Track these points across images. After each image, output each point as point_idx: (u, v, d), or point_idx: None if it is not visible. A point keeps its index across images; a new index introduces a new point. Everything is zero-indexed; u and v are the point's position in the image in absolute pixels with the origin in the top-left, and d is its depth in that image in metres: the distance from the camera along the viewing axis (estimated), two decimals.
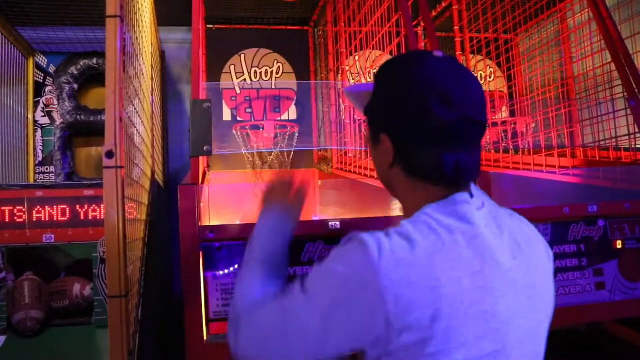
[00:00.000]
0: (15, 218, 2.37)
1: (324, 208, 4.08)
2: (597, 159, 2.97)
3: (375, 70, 1.11)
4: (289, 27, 4.65)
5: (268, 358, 1.00)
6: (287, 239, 1.28)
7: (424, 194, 1.01)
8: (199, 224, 1.77)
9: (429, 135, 0.98)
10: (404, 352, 0.87)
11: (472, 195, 1.01)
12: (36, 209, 2.39)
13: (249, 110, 4.59)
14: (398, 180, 1.06)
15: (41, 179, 4.10)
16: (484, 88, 4.13)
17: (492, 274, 0.92)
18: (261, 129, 4.24)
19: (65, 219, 2.41)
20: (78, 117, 4.05)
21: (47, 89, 4.20)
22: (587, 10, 3.15)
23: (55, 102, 4.11)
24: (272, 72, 4.67)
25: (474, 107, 0.98)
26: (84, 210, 2.42)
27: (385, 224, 1.87)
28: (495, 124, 4.15)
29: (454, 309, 0.86)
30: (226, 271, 1.82)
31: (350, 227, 1.88)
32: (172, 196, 3.03)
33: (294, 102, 4.67)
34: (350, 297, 0.89)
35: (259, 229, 1.27)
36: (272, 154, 4.27)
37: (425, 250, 0.90)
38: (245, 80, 4.62)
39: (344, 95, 3.96)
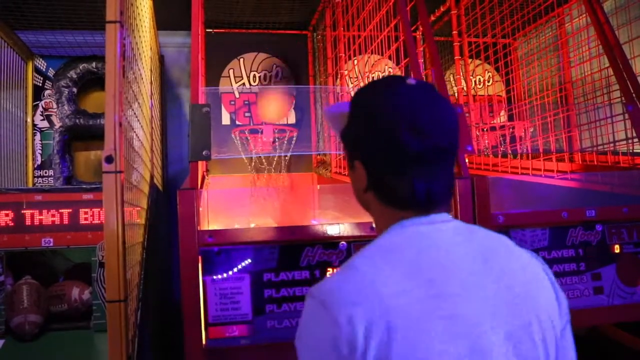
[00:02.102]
0: (14, 222, 2.37)
1: (323, 212, 4.07)
2: (595, 163, 2.98)
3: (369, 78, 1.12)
4: (287, 32, 4.65)
5: None
6: None
7: (395, 217, 1.03)
8: (198, 229, 1.77)
9: (399, 164, 1.00)
10: None
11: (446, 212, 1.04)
12: (35, 213, 2.39)
13: (247, 114, 4.60)
14: (372, 205, 1.09)
15: (40, 183, 4.10)
16: (483, 92, 4.15)
17: (445, 281, 0.93)
18: (260, 133, 4.24)
19: (64, 223, 2.41)
20: (77, 121, 4.05)
21: (46, 92, 4.20)
22: (585, 15, 3.16)
23: (55, 106, 4.11)
24: (271, 76, 4.68)
25: (444, 135, 0.99)
26: (82, 214, 2.43)
27: None
28: (493, 129, 4.16)
29: (407, 320, 0.87)
30: (225, 275, 1.82)
31: (349, 231, 1.89)
32: (171, 200, 3.03)
33: (292, 107, 4.67)
34: (320, 343, 0.91)
35: None
36: (271, 158, 4.28)
37: (365, 274, 0.92)
38: (244, 84, 4.63)
39: (342, 99, 3.97)
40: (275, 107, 4.57)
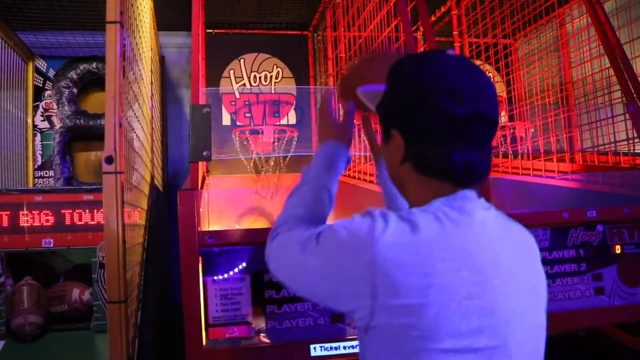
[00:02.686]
0: (15, 223, 2.37)
1: None
2: (596, 163, 2.98)
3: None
4: (288, 32, 4.65)
5: (280, 273, 1.09)
6: (339, 173, 1.31)
7: (432, 190, 1.01)
8: (198, 229, 1.77)
9: (438, 132, 0.98)
10: (389, 330, 0.89)
11: (479, 196, 1.03)
12: (35, 214, 2.39)
13: (248, 114, 4.60)
14: (408, 176, 1.06)
15: (40, 184, 4.10)
16: None
17: (492, 272, 0.93)
18: (260, 134, 4.24)
19: (64, 223, 2.41)
20: (77, 122, 4.05)
21: (47, 93, 4.20)
22: (585, 15, 3.16)
23: (55, 107, 4.11)
24: (271, 77, 4.68)
25: (485, 104, 0.98)
26: (83, 215, 2.42)
27: None
28: None
29: (446, 298, 0.87)
30: (225, 276, 1.82)
31: None
32: (171, 201, 3.03)
33: (293, 107, 4.67)
34: (344, 262, 0.93)
35: (316, 162, 1.30)
36: (271, 158, 4.28)
37: (427, 238, 0.91)
38: (244, 84, 4.63)
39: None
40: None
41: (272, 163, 4.32)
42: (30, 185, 4.02)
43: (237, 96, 4.60)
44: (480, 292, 0.90)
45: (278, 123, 4.58)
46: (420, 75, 1.01)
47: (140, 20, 2.29)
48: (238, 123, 4.53)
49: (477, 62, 4.41)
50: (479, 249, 0.94)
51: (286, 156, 4.28)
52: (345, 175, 3.51)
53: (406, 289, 0.87)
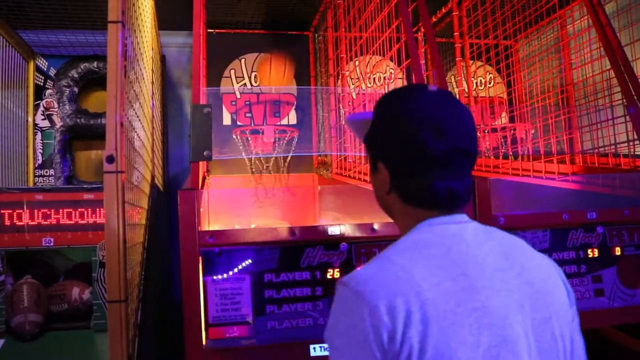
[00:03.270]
0: (15, 221, 2.37)
1: (324, 213, 4.08)
2: (596, 165, 2.97)
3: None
4: (289, 32, 4.65)
5: None
6: None
7: (417, 217, 1.07)
8: (199, 229, 1.77)
9: (422, 165, 1.04)
10: None
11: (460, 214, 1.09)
12: (36, 213, 2.39)
13: (248, 114, 4.60)
14: (395, 206, 1.12)
15: (41, 182, 4.10)
16: (484, 94, 4.15)
17: (476, 275, 0.97)
18: (261, 134, 4.24)
19: (65, 222, 2.41)
20: (78, 121, 4.05)
21: (48, 92, 4.20)
22: (586, 17, 3.16)
23: (56, 105, 4.11)
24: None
25: (465, 139, 1.05)
26: (83, 214, 2.42)
27: (384, 229, 1.87)
28: (494, 130, 4.16)
29: (441, 311, 0.91)
30: (225, 276, 1.82)
31: (349, 231, 1.89)
32: (171, 201, 3.03)
33: (293, 107, 4.67)
34: (356, 332, 0.92)
35: None
36: (272, 158, 4.28)
37: (402, 266, 0.95)
38: (245, 84, 4.63)
39: (344, 100, 3.97)
40: (275, 73, 4.54)
41: (272, 163, 4.33)
42: (31, 184, 4.02)
43: (238, 96, 4.60)
44: (469, 296, 0.94)
45: (278, 123, 4.58)
46: (403, 113, 1.07)
47: (142, 20, 2.29)
48: (239, 123, 4.53)
49: (478, 63, 4.42)
50: (457, 258, 0.99)
51: (287, 156, 4.28)
52: (345, 175, 3.51)
53: (409, 315, 0.90)
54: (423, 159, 1.03)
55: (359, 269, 1.00)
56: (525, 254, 1.08)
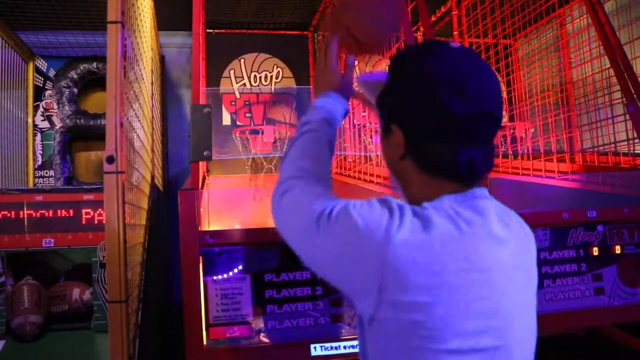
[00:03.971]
0: (15, 222, 2.37)
1: None
2: (596, 164, 2.98)
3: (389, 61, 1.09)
4: (288, 32, 4.66)
5: (287, 234, 1.07)
6: (338, 125, 1.28)
7: (435, 187, 0.99)
8: (199, 229, 1.77)
9: (441, 129, 0.95)
10: (394, 325, 0.88)
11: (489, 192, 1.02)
12: (36, 213, 2.39)
13: (248, 114, 4.60)
14: (409, 173, 1.03)
15: (41, 183, 4.10)
16: None
17: (497, 273, 0.92)
18: (260, 134, 4.24)
19: (65, 223, 2.40)
20: (78, 121, 4.05)
21: (47, 93, 4.20)
22: (586, 15, 3.16)
23: (55, 106, 4.12)
24: (271, 77, 4.68)
25: (489, 100, 0.96)
26: (83, 214, 2.42)
27: None
28: None
29: (455, 299, 0.86)
30: (226, 276, 1.82)
31: None
32: (171, 201, 3.03)
33: (293, 107, 4.67)
34: (354, 251, 0.90)
35: (317, 113, 1.23)
36: (272, 158, 4.28)
37: (440, 236, 0.89)
38: (244, 84, 4.63)
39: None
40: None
41: (272, 163, 4.32)
42: (31, 185, 4.02)
43: (238, 96, 4.60)
44: (488, 293, 0.89)
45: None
46: (423, 72, 0.97)
47: (141, 20, 2.29)
48: (238, 123, 4.54)
49: None
50: (487, 249, 0.92)
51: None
52: (344, 175, 3.51)
53: (416, 286, 0.85)
54: (442, 122, 0.94)
55: (405, 208, 0.92)
56: (529, 256, 1.03)
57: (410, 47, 1.11)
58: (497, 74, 4.54)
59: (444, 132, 0.95)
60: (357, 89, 1.35)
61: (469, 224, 0.92)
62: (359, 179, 3.11)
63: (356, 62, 3.52)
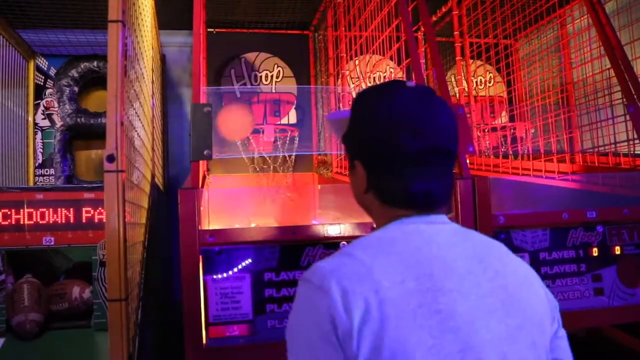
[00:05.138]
0: (15, 220, 2.37)
1: (323, 212, 4.08)
2: (596, 164, 2.98)
3: (370, 79, 1.15)
4: (289, 32, 4.65)
5: None
6: None
7: (395, 217, 1.05)
8: (199, 228, 1.77)
9: (397, 164, 1.02)
10: None
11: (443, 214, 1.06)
12: (36, 212, 2.39)
13: None
14: (372, 205, 1.10)
15: (41, 182, 4.11)
16: (484, 93, 4.15)
17: (444, 276, 0.93)
18: (261, 133, 4.25)
19: (65, 221, 2.41)
20: (78, 120, 4.05)
21: (48, 91, 4.21)
22: (586, 16, 3.16)
23: (56, 105, 4.11)
24: (272, 76, 4.68)
25: (443, 137, 1.02)
26: (83, 213, 2.43)
27: None
28: (494, 129, 4.16)
29: (400, 310, 0.88)
30: (226, 275, 1.82)
31: (349, 231, 1.89)
32: (172, 200, 3.03)
33: (294, 106, 4.67)
34: (316, 326, 0.91)
35: None
36: (272, 157, 4.28)
37: (362, 262, 0.93)
38: (245, 84, 4.63)
39: (343, 99, 3.97)
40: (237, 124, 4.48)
41: (272, 162, 4.33)
42: (31, 184, 4.03)
43: (238, 95, 4.60)
44: (433, 297, 0.90)
45: (279, 122, 4.58)
46: (379, 112, 1.05)
47: (142, 19, 2.29)
48: None
49: (478, 63, 4.42)
50: (424, 258, 0.95)
51: (289, 156, 4.28)
52: (345, 174, 3.51)
53: (366, 313, 0.87)
54: (398, 158, 1.01)
55: (318, 262, 0.98)
56: (502, 258, 1.04)
57: (369, 89, 1.17)
58: (497, 74, 4.54)
59: (401, 167, 1.03)
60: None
61: (391, 244, 0.98)
62: None
63: (357, 62, 3.53)
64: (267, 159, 4.34)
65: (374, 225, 1.12)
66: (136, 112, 1.97)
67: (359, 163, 1.09)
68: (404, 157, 1.00)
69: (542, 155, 3.17)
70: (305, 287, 0.96)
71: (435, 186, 1.03)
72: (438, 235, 1.01)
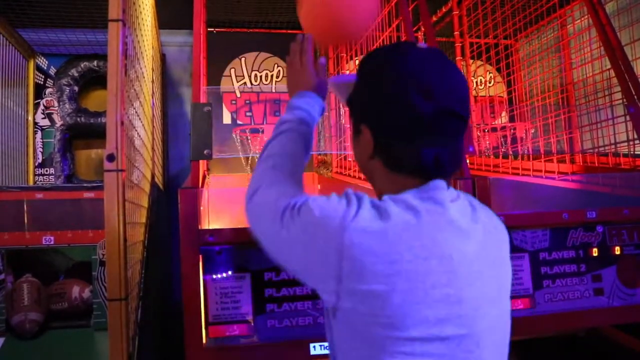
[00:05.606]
0: (15, 220, 2.37)
1: None
2: (596, 165, 2.97)
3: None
4: (289, 31, 4.65)
5: (257, 232, 1.08)
6: (315, 123, 1.31)
7: (402, 184, 1.01)
8: (199, 228, 1.77)
9: (407, 128, 0.98)
10: (356, 315, 0.90)
11: (448, 186, 1.03)
12: (36, 211, 2.39)
13: (249, 113, 4.60)
14: (378, 172, 1.06)
15: (41, 181, 4.10)
16: (484, 93, 4.14)
17: (459, 261, 0.93)
18: (261, 133, 4.24)
19: (65, 221, 2.40)
20: (78, 119, 4.05)
21: (48, 90, 4.20)
22: (587, 16, 3.16)
23: (56, 104, 4.11)
24: (272, 76, 4.67)
25: (455, 100, 0.98)
26: (83, 212, 2.42)
27: None
28: (494, 129, 4.16)
29: (412, 286, 0.87)
30: (225, 275, 1.82)
31: None
32: (171, 199, 3.03)
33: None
34: (313, 242, 0.93)
35: (295, 113, 1.27)
36: None
37: (396, 225, 0.91)
38: (245, 83, 4.62)
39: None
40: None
41: None
42: (31, 183, 4.02)
43: (238, 95, 4.60)
44: (448, 280, 0.90)
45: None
46: (389, 72, 1.00)
47: (142, 18, 2.29)
48: (239, 122, 4.53)
49: (478, 63, 4.42)
50: (448, 237, 0.94)
51: None
52: (344, 174, 3.51)
53: (372, 274, 0.87)
54: (410, 120, 0.97)
55: (364, 198, 0.95)
56: (500, 241, 1.05)
57: (378, 49, 1.12)
58: (498, 74, 4.54)
59: (409, 132, 0.98)
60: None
61: (426, 213, 0.94)
62: (359, 178, 3.11)
63: (357, 62, 3.52)
64: None
65: (377, 193, 1.09)
66: (136, 112, 1.97)
67: (365, 127, 1.05)
68: (415, 120, 0.96)
69: (542, 155, 3.17)
70: (338, 204, 0.94)
71: (446, 153, 0.99)
72: (456, 213, 0.98)
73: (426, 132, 0.97)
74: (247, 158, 4.26)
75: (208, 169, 3.88)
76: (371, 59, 1.09)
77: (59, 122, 4.12)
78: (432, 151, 0.97)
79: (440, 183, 1.00)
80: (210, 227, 1.88)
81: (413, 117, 0.96)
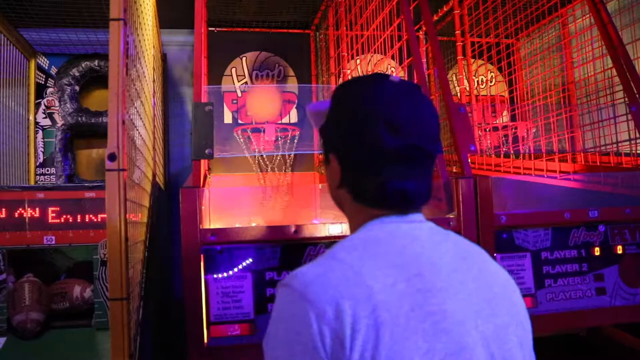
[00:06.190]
0: (16, 220, 2.37)
1: (324, 211, 4.07)
2: (598, 164, 2.97)
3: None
4: (290, 31, 4.65)
5: None
6: None
7: (368, 215, 1.01)
8: (200, 227, 1.77)
9: (373, 161, 0.98)
10: None
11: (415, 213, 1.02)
12: (37, 211, 2.39)
13: (249, 113, 4.60)
14: (345, 201, 1.06)
15: (42, 181, 4.10)
16: (485, 92, 4.15)
17: (433, 276, 0.90)
18: (262, 132, 4.24)
19: (66, 220, 2.40)
20: (79, 119, 4.05)
21: (49, 90, 4.20)
22: (588, 15, 3.15)
23: (57, 104, 4.11)
24: (273, 75, 4.67)
25: (423, 136, 0.97)
26: (84, 212, 2.42)
27: None
28: (496, 129, 4.15)
29: (394, 314, 0.84)
30: (227, 274, 1.82)
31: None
32: (173, 199, 3.03)
33: (295, 106, 4.67)
34: (300, 339, 0.85)
35: None
36: (274, 157, 4.28)
37: (351, 265, 0.89)
38: (246, 83, 4.62)
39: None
40: (266, 105, 4.53)
41: (274, 161, 4.32)
42: (32, 183, 4.03)
43: (239, 94, 4.60)
44: (424, 299, 0.87)
45: (280, 122, 4.58)
46: (359, 105, 1.00)
47: (143, 18, 2.29)
48: (240, 121, 4.53)
49: (480, 62, 4.41)
50: (411, 258, 0.92)
51: (289, 155, 4.28)
52: None
53: (358, 320, 0.82)
54: (375, 154, 0.96)
55: (301, 268, 0.92)
56: (483, 258, 1.03)
57: (351, 80, 1.12)
58: (499, 73, 4.53)
59: (375, 165, 0.98)
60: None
61: (377, 244, 0.94)
62: None
63: (358, 61, 3.52)
64: (266, 158, 4.34)
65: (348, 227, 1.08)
66: (137, 111, 1.97)
67: (333, 157, 1.05)
68: (380, 153, 0.96)
69: (544, 154, 3.17)
70: (287, 295, 0.89)
71: (413, 186, 0.99)
72: (420, 233, 0.98)
73: (392, 166, 0.97)
74: (254, 157, 4.27)
75: (209, 169, 3.88)
76: (344, 90, 1.09)
77: (60, 122, 4.12)
78: (398, 184, 0.97)
79: (413, 217, 1.01)
80: (212, 227, 1.87)
81: (379, 151, 0.96)
